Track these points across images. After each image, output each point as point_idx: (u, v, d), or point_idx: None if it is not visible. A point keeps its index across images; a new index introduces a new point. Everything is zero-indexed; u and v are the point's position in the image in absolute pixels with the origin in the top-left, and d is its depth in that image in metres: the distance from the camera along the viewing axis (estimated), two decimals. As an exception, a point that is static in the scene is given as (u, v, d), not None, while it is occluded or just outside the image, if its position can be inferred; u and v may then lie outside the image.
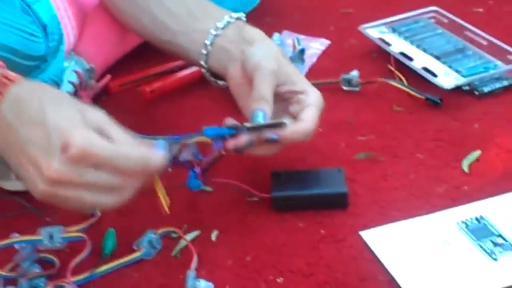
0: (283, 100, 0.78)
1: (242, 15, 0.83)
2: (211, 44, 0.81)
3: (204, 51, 0.82)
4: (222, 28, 0.81)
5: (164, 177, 0.83)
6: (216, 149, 0.77)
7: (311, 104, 0.77)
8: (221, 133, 0.74)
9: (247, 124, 0.74)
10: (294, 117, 0.77)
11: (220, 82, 0.85)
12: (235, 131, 0.74)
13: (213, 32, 0.81)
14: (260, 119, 0.74)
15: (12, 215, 0.80)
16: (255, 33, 0.81)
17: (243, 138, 0.74)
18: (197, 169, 0.79)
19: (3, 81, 0.66)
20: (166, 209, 0.71)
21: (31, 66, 0.85)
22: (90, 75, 0.97)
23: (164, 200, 0.71)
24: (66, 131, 0.63)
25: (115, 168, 0.64)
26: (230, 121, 0.76)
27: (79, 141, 0.62)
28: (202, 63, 0.83)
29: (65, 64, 0.95)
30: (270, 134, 0.74)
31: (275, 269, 0.72)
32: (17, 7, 0.85)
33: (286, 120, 0.76)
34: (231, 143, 0.74)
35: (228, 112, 0.79)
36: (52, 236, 0.73)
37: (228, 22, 0.81)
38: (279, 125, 0.74)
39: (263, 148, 0.76)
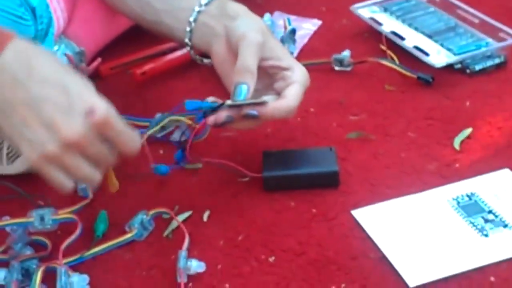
0: (267, 75, 0.78)
1: None
2: (195, 20, 0.80)
3: (188, 28, 0.81)
4: (206, 5, 0.80)
5: (154, 159, 0.83)
6: (198, 123, 0.77)
7: (296, 81, 0.76)
8: (201, 106, 0.74)
9: (228, 102, 0.74)
10: (278, 93, 0.77)
11: (205, 60, 0.84)
12: (216, 106, 0.74)
13: (196, 8, 0.80)
14: (244, 93, 0.74)
15: (2, 199, 0.80)
16: (239, 8, 0.80)
17: (223, 114, 0.74)
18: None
19: (2, 31, 0.64)
20: (114, 189, 0.72)
21: None
22: (81, 58, 0.96)
23: (111, 183, 0.72)
24: (89, 97, 0.64)
25: (121, 144, 0.65)
26: (211, 98, 0.76)
27: (104, 109, 0.63)
28: (186, 40, 0.82)
29: (55, 47, 0.94)
30: (250, 110, 0.74)
31: (266, 248, 0.72)
32: None
33: (270, 97, 0.76)
34: (211, 119, 0.74)
35: (218, 93, 0.79)
36: (43, 218, 0.73)
37: None
38: (260, 104, 0.74)
39: (243, 123, 0.76)
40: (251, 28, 0.77)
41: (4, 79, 0.63)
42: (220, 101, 0.75)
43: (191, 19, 0.80)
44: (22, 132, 0.63)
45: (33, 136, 0.63)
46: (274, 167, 0.79)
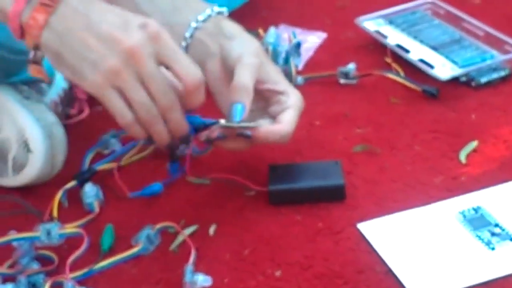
0: (262, 98, 0.78)
1: (224, 9, 0.83)
2: (191, 36, 0.81)
3: (183, 44, 0.81)
4: (203, 21, 0.81)
5: (161, 171, 0.84)
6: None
7: (291, 106, 0.77)
8: (193, 122, 0.74)
9: (222, 121, 0.74)
10: (273, 117, 0.77)
11: None
12: (208, 123, 0.74)
13: (193, 24, 0.81)
14: (239, 113, 0.74)
15: (9, 214, 0.80)
16: (235, 28, 0.80)
17: (216, 131, 0.74)
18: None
19: None
20: None
21: (20, 61, 0.84)
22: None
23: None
24: (140, 17, 0.68)
25: (179, 66, 0.68)
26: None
27: (157, 24, 0.68)
28: None
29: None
30: (243, 131, 0.74)
31: (273, 262, 0.72)
32: None
33: (265, 121, 0.76)
34: (203, 134, 0.75)
35: (214, 110, 0.79)
36: (49, 232, 0.73)
37: (209, 16, 0.81)
38: (253, 128, 0.74)
39: (234, 142, 0.76)
40: (248, 50, 0.77)
41: (66, 11, 0.67)
42: (212, 121, 0.74)
43: (187, 34, 0.81)
44: (83, 55, 0.67)
45: (94, 54, 0.66)
46: (280, 181, 0.79)
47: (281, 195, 0.78)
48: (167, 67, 0.68)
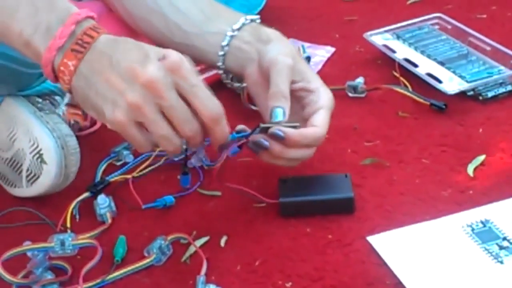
0: (296, 99, 0.79)
1: (256, 17, 0.85)
2: (228, 45, 0.82)
3: (221, 53, 0.83)
4: (238, 30, 0.82)
5: (172, 183, 0.85)
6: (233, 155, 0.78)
7: (322, 106, 0.78)
8: (232, 138, 0.75)
9: (262, 124, 0.75)
10: (305, 120, 0.79)
11: (235, 84, 0.86)
12: (248, 134, 0.75)
13: (229, 33, 0.82)
14: (280, 116, 0.75)
15: (24, 224, 0.81)
16: (271, 32, 0.82)
17: (258, 135, 0.75)
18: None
19: (99, 26, 0.69)
20: None
21: (34, 74, 0.86)
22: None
23: None
24: (163, 49, 0.68)
25: (198, 100, 0.67)
26: (240, 126, 0.78)
27: (177, 54, 0.68)
28: (219, 64, 0.84)
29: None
30: (277, 130, 0.74)
31: (283, 273, 0.73)
32: None
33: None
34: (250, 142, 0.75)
35: (240, 118, 0.80)
36: (63, 243, 0.74)
37: (243, 24, 0.83)
38: (293, 127, 0.75)
39: (283, 160, 0.77)
40: (281, 52, 0.79)
41: (93, 55, 0.68)
42: (248, 130, 0.76)
43: (224, 43, 0.82)
44: (105, 94, 0.67)
45: (115, 92, 0.67)
46: (290, 193, 0.80)
47: (292, 207, 0.79)
48: (186, 101, 0.68)
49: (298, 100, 0.80)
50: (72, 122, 0.79)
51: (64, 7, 0.69)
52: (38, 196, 0.83)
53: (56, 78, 0.69)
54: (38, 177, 0.81)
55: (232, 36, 0.82)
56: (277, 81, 0.77)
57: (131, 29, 0.97)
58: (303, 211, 0.79)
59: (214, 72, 0.90)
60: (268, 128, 0.75)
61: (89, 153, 0.88)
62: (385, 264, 0.72)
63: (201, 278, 0.71)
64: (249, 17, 0.84)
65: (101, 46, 0.67)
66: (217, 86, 0.88)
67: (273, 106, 0.76)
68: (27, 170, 0.82)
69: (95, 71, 0.67)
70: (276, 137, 0.75)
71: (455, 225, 0.76)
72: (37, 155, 0.81)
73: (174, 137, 0.68)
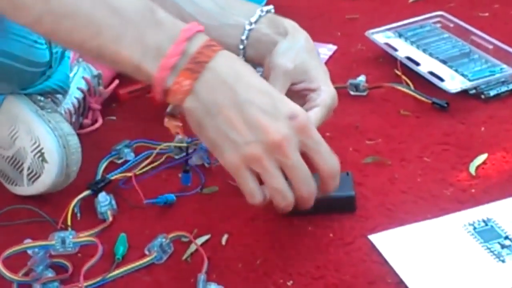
0: (301, 97, 0.79)
1: (270, 7, 0.85)
2: (247, 38, 0.82)
3: (241, 46, 0.83)
4: (255, 22, 0.83)
5: (173, 181, 0.85)
6: None
7: (318, 104, 0.78)
8: None
9: None
10: None
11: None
12: None
13: (247, 27, 0.82)
14: None
15: (25, 222, 0.81)
16: (288, 24, 0.82)
17: None
18: None
19: (212, 43, 0.68)
20: None
21: (37, 72, 0.86)
22: (98, 81, 0.98)
23: None
24: (291, 104, 0.68)
25: (319, 157, 0.68)
26: None
27: (306, 115, 0.68)
28: (241, 57, 0.84)
29: (74, 70, 0.96)
30: None
31: (284, 272, 0.73)
32: None
33: None
34: None
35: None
36: (64, 241, 0.74)
37: (260, 16, 0.83)
38: None
39: None
40: (286, 52, 0.79)
41: (215, 81, 0.66)
42: None
43: (243, 37, 0.82)
44: (226, 133, 0.66)
45: (238, 137, 0.66)
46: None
47: (294, 206, 0.78)
48: (308, 156, 0.68)
49: (302, 98, 0.80)
50: (178, 136, 0.79)
51: (171, 24, 0.68)
52: (39, 194, 0.83)
53: (165, 96, 0.68)
54: (39, 175, 0.81)
55: (250, 29, 0.82)
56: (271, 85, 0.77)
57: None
58: (305, 210, 0.79)
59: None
60: None
61: (90, 151, 0.87)
62: (386, 262, 0.72)
63: (202, 276, 0.71)
64: (265, 8, 0.84)
65: (219, 69, 0.66)
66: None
67: None
68: (28, 168, 0.82)
69: (215, 101, 0.66)
70: None
71: (456, 224, 0.76)
72: (39, 154, 0.81)
73: (289, 192, 0.68)
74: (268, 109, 0.66)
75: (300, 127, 0.67)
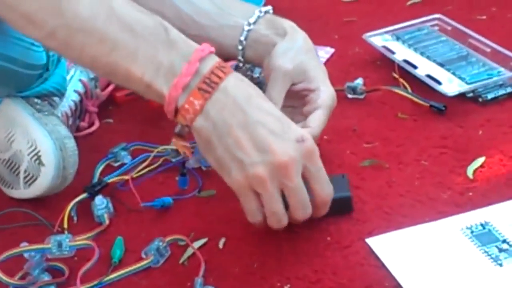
0: (300, 98, 0.80)
1: (269, 8, 0.85)
2: (246, 39, 0.83)
3: (239, 47, 0.84)
4: (254, 23, 0.83)
5: (170, 184, 0.84)
6: None
7: (320, 106, 0.79)
8: None
9: None
10: (306, 116, 0.79)
11: (255, 75, 0.88)
12: None
13: (246, 28, 0.83)
14: None
15: (21, 225, 0.81)
16: (287, 24, 0.83)
17: None
18: None
19: (223, 64, 0.69)
20: None
21: (33, 75, 0.86)
22: (95, 83, 0.98)
23: None
24: (299, 129, 0.69)
25: (318, 184, 0.70)
26: None
27: (312, 140, 0.69)
28: (239, 57, 0.85)
29: (71, 72, 0.96)
30: None
31: (282, 276, 0.72)
32: None
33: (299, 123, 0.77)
34: None
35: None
36: (60, 244, 0.74)
37: (259, 17, 0.84)
38: None
39: None
40: (286, 53, 0.80)
41: (226, 101, 0.67)
42: None
43: (242, 38, 0.83)
44: (234, 153, 0.67)
45: (245, 157, 0.67)
46: None
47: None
48: (307, 181, 0.69)
49: (302, 98, 0.80)
50: (183, 155, 0.79)
51: (185, 44, 0.68)
52: (35, 197, 0.83)
53: (175, 115, 0.68)
54: (36, 178, 0.81)
55: (249, 30, 0.83)
56: (271, 89, 0.79)
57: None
58: None
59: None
60: None
61: (87, 154, 0.87)
62: (384, 266, 0.72)
63: (199, 280, 0.71)
64: (263, 9, 0.85)
65: (231, 90, 0.67)
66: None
67: None
68: (25, 171, 0.82)
69: (225, 121, 0.67)
70: None
71: (454, 227, 0.76)
72: (35, 157, 0.81)
73: (284, 216, 0.70)
74: (277, 131, 0.67)
75: (307, 152, 0.68)
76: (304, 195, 0.69)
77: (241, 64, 0.86)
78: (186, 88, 0.67)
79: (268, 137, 0.67)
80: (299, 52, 0.81)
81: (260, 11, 0.84)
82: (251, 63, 0.87)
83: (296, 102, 0.81)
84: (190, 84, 0.66)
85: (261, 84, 0.85)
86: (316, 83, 0.80)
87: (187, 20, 0.86)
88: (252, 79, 0.88)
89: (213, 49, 0.69)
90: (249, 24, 0.83)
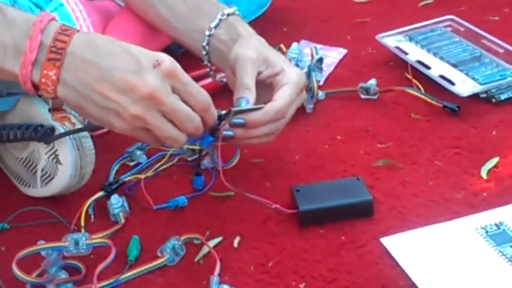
0: (267, 86, 0.80)
1: (234, 9, 0.85)
2: (207, 44, 0.85)
3: (203, 52, 0.85)
4: (215, 27, 0.84)
5: (185, 183, 0.85)
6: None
7: (285, 83, 0.79)
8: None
9: (233, 109, 0.76)
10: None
11: (222, 80, 0.89)
12: (222, 114, 0.75)
13: (207, 32, 0.84)
14: (243, 105, 0.77)
15: (37, 223, 0.81)
16: (242, 30, 0.84)
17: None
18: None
19: (65, 27, 0.68)
20: None
21: None
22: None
23: None
24: (153, 53, 0.68)
25: (190, 96, 0.69)
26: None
27: (168, 58, 0.68)
28: (206, 62, 0.87)
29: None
30: (234, 120, 0.76)
31: (297, 274, 0.73)
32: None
33: None
34: (225, 122, 0.76)
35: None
36: (77, 242, 0.75)
37: (220, 20, 0.84)
38: (259, 109, 0.77)
39: (254, 139, 0.79)
40: (245, 47, 0.81)
41: (77, 63, 0.67)
42: (222, 111, 0.77)
43: (204, 43, 0.84)
44: (106, 106, 0.68)
45: (116, 105, 0.67)
46: (308, 202, 0.78)
47: (312, 215, 0.78)
48: (181, 98, 0.70)
49: (269, 86, 0.81)
50: (65, 126, 0.79)
51: (23, 19, 0.68)
52: (52, 196, 0.83)
53: (37, 91, 0.69)
54: (53, 177, 0.82)
55: (210, 35, 0.84)
56: (241, 76, 0.79)
57: (138, 35, 0.97)
58: (322, 219, 0.78)
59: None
60: (237, 111, 0.76)
61: (102, 153, 0.87)
62: (398, 265, 0.72)
63: (215, 278, 0.71)
64: (227, 11, 0.85)
65: (78, 51, 0.67)
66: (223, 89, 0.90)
67: (237, 98, 0.78)
68: (42, 170, 0.82)
69: (83, 81, 0.67)
70: (237, 125, 0.77)
71: (469, 227, 0.76)
72: (53, 156, 0.81)
73: (179, 135, 0.70)
74: (131, 68, 0.67)
75: (167, 72, 0.68)
76: (183, 110, 0.69)
77: (208, 69, 0.87)
78: (35, 64, 0.67)
79: (126, 77, 0.66)
80: (257, 46, 0.81)
81: (223, 14, 0.84)
82: (217, 67, 0.87)
83: (266, 95, 0.80)
84: (38, 58, 0.67)
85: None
86: (279, 66, 0.80)
87: (165, 23, 0.88)
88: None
89: (52, 16, 0.69)
90: (210, 29, 0.84)
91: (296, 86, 0.79)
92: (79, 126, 0.80)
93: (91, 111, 0.68)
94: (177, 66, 0.69)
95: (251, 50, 0.80)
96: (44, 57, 0.67)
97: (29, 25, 0.67)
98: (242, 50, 0.80)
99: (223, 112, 0.76)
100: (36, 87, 0.68)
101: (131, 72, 0.67)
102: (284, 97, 0.78)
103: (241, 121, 0.76)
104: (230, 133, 0.77)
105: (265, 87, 0.80)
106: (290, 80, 0.79)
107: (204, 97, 0.71)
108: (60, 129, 0.77)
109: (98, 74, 0.67)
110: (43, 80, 0.67)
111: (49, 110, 0.71)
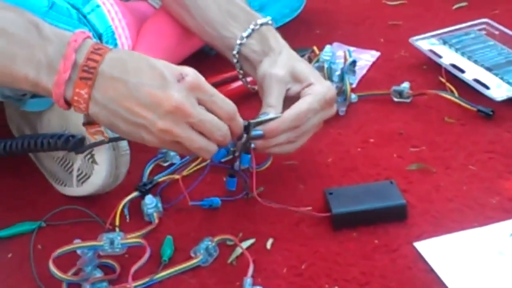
0: (296, 101, 0.80)
1: (267, 19, 0.85)
2: (238, 53, 0.85)
3: (234, 60, 0.86)
4: (247, 37, 0.84)
5: (218, 185, 0.85)
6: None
7: (309, 94, 0.79)
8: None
9: (252, 121, 0.77)
10: None
11: (254, 88, 0.89)
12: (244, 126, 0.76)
13: (238, 41, 0.84)
14: (265, 116, 0.78)
15: (72, 222, 0.83)
16: (273, 42, 0.83)
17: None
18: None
19: (98, 46, 0.70)
20: None
21: None
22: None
23: None
24: (176, 67, 0.69)
25: (216, 106, 0.70)
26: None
27: (192, 71, 0.69)
28: (238, 69, 0.87)
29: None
30: (253, 132, 0.77)
31: (329, 277, 0.73)
32: (74, 17, 0.88)
33: None
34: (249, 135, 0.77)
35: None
36: (112, 242, 0.75)
37: (253, 30, 0.84)
38: (277, 118, 0.77)
39: (275, 148, 0.79)
40: (274, 63, 0.81)
41: (105, 81, 0.68)
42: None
43: (235, 52, 0.85)
44: (135, 122, 0.69)
45: (144, 120, 0.68)
46: (341, 205, 0.78)
47: (345, 218, 0.78)
48: (207, 109, 0.71)
49: (297, 100, 0.81)
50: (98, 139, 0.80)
51: (58, 38, 0.69)
52: (87, 196, 0.84)
53: (69, 107, 0.70)
54: (89, 177, 0.83)
55: (241, 44, 0.84)
56: (267, 96, 0.80)
57: (172, 37, 0.98)
58: (355, 222, 0.78)
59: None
60: (257, 122, 0.77)
61: (137, 154, 0.88)
62: (432, 270, 0.72)
63: (248, 280, 0.72)
64: (260, 20, 0.85)
65: (108, 69, 0.68)
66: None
67: (259, 114, 0.79)
68: (78, 169, 0.83)
69: (112, 98, 0.68)
70: (256, 138, 0.77)
71: (503, 233, 0.76)
72: (89, 156, 0.82)
73: (209, 144, 0.71)
74: (156, 83, 0.68)
75: (191, 85, 0.69)
76: (210, 120, 0.70)
77: (240, 76, 0.88)
78: (68, 82, 0.68)
79: (151, 92, 0.67)
80: (286, 61, 0.81)
81: (255, 24, 0.84)
82: (249, 76, 0.88)
83: None
84: (71, 77, 0.68)
85: None
86: (308, 81, 0.80)
87: (199, 28, 0.89)
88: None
89: (87, 34, 0.70)
90: (242, 38, 0.84)
91: (321, 98, 0.79)
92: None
93: (121, 127, 0.70)
94: (201, 78, 0.70)
95: (279, 68, 0.81)
96: (77, 76, 0.68)
97: (64, 44, 0.68)
98: (269, 69, 0.81)
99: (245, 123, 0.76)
100: (68, 103, 0.70)
101: (156, 87, 0.68)
102: (301, 105, 0.78)
103: (260, 132, 0.77)
104: (252, 145, 0.78)
105: (294, 102, 0.80)
106: (313, 91, 0.79)
107: (229, 106, 0.72)
108: (90, 138, 0.78)
109: (126, 91, 0.68)
110: (75, 98, 0.68)
111: (83, 124, 0.72)
